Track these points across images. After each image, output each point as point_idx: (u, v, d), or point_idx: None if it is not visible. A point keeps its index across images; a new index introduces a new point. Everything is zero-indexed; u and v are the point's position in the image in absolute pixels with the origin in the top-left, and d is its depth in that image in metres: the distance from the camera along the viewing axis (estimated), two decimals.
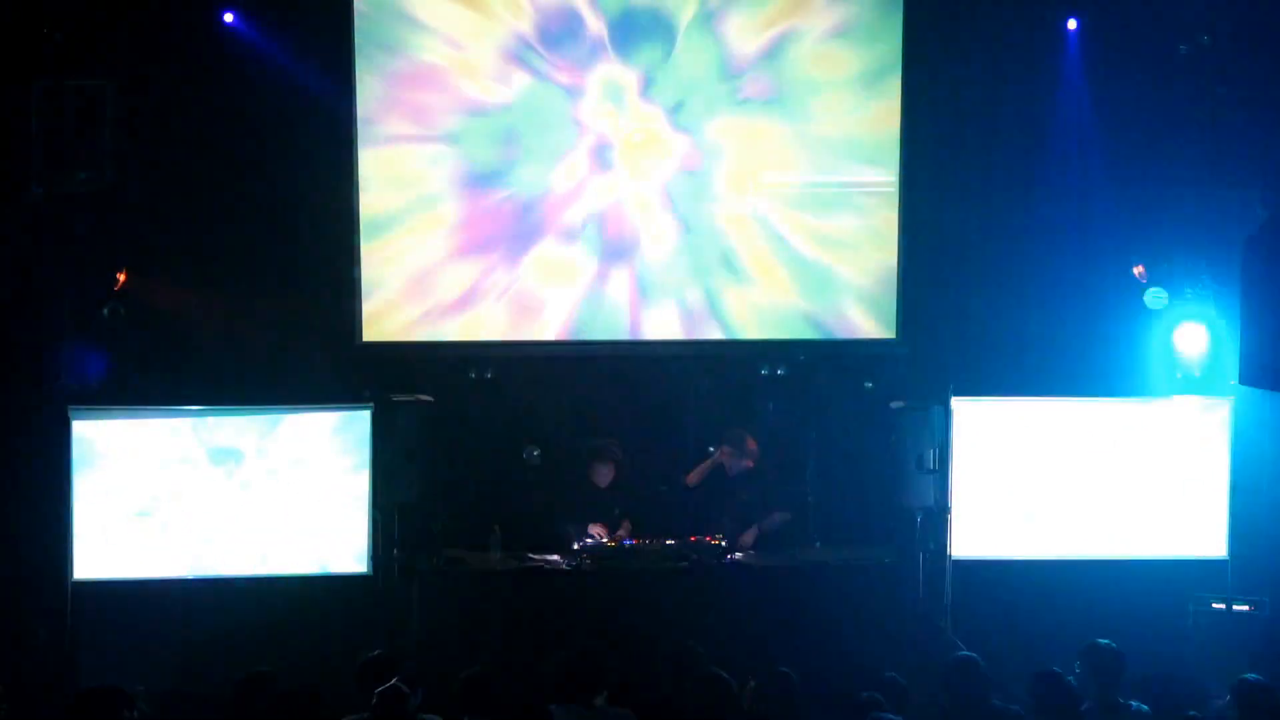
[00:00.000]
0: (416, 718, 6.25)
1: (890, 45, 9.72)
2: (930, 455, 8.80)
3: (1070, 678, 6.29)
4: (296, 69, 9.57)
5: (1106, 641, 6.53)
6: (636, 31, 9.73)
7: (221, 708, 6.65)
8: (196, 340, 9.59)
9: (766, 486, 9.39)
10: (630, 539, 8.90)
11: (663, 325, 9.94)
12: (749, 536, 9.10)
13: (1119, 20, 9.60)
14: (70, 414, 8.64)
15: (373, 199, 9.74)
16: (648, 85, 9.78)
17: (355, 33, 9.61)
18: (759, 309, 9.97)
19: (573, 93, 9.77)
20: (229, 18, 9.47)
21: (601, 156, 9.84)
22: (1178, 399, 9.20)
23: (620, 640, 7.71)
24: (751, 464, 9.40)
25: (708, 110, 9.81)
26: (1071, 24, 9.69)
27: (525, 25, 9.70)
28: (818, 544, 9.18)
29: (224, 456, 8.76)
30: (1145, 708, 6.36)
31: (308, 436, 8.82)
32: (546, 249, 9.87)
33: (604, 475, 9.30)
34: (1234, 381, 8.92)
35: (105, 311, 9.12)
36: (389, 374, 9.48)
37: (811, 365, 10.12)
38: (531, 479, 9.96)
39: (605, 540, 8.82)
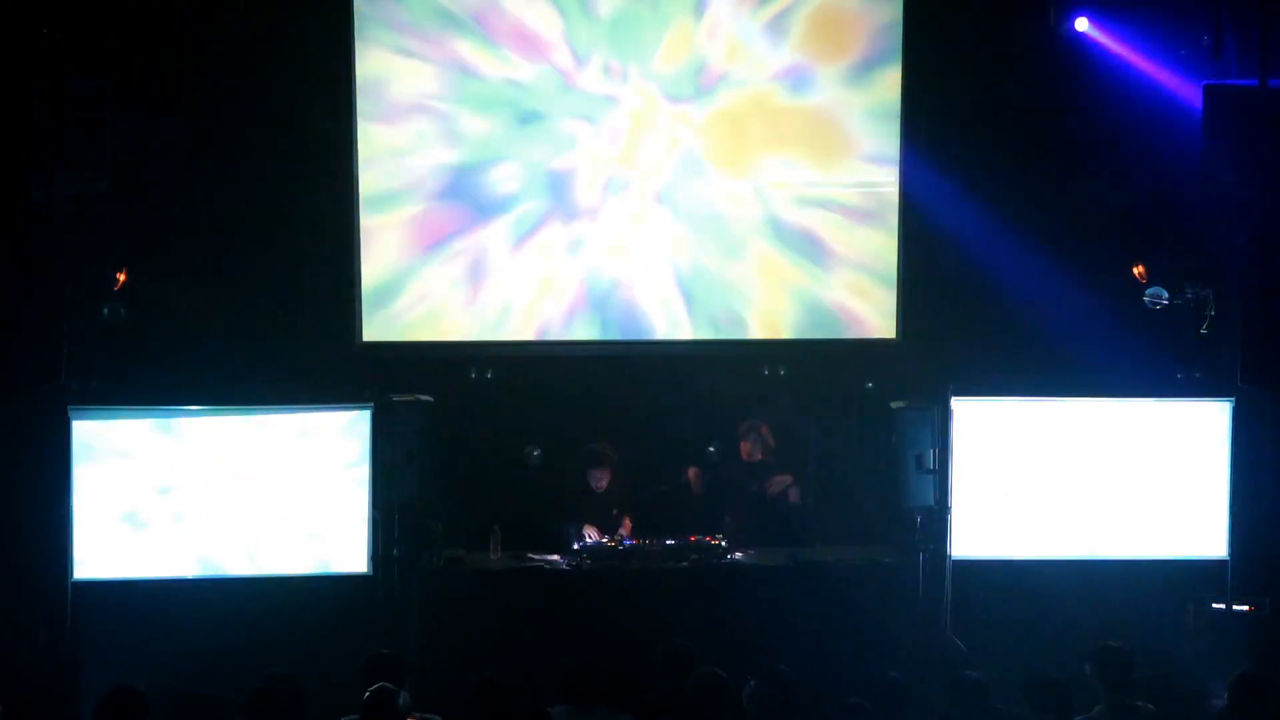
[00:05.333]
0: (410, 717, 6.25)
1: (890, 44, 9.73)
2: (930, 455, 8.79)
3: (1060, 678, 6.28)
4: (297, 68, 9.58)
5: (1116, 643, 6.52)
6: (636, 29, 9.74)
7: (222, 708, 6.64)
8: (196, 340, 9.58)
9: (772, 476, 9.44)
10: (630, 538, 8.90)
11: (662, 325, 9.95)
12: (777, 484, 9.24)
13: (1119, 19, 9.60)
14: (70, 414, 8.63)
15: (373, 199, 9.75)
16: (648, 87, 9.79)
17: (355, 30, 9.62)
18: (759, 309, 9.97)
19: (572, 95, 9.78)
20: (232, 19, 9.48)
21: (601, 159, 9.84)
22: (1177, 399, 9.19)
23: (620, 640, 7.71)
24: (761, 455, 9.45)
25: (707, 110, 9.82)
26: (1081, 23, 9.69)
27: (526, 17, 9.72)
28: (818, 544, 9.18)
29: (224, 457, 8.75)
30: (1152, 708, 6.36)
31: (308, 436, 8.82)
32: (546, 250, 9.87)
33: (599, 480, 9.31)
34: (1235, 382, 8.94)
35: (105, 311, 9.11)
36: (389, 374, 9.47)
37: (811, 365, 10.12)
38: (531, 479, 9.97)
39: (605, 540, 8.82)
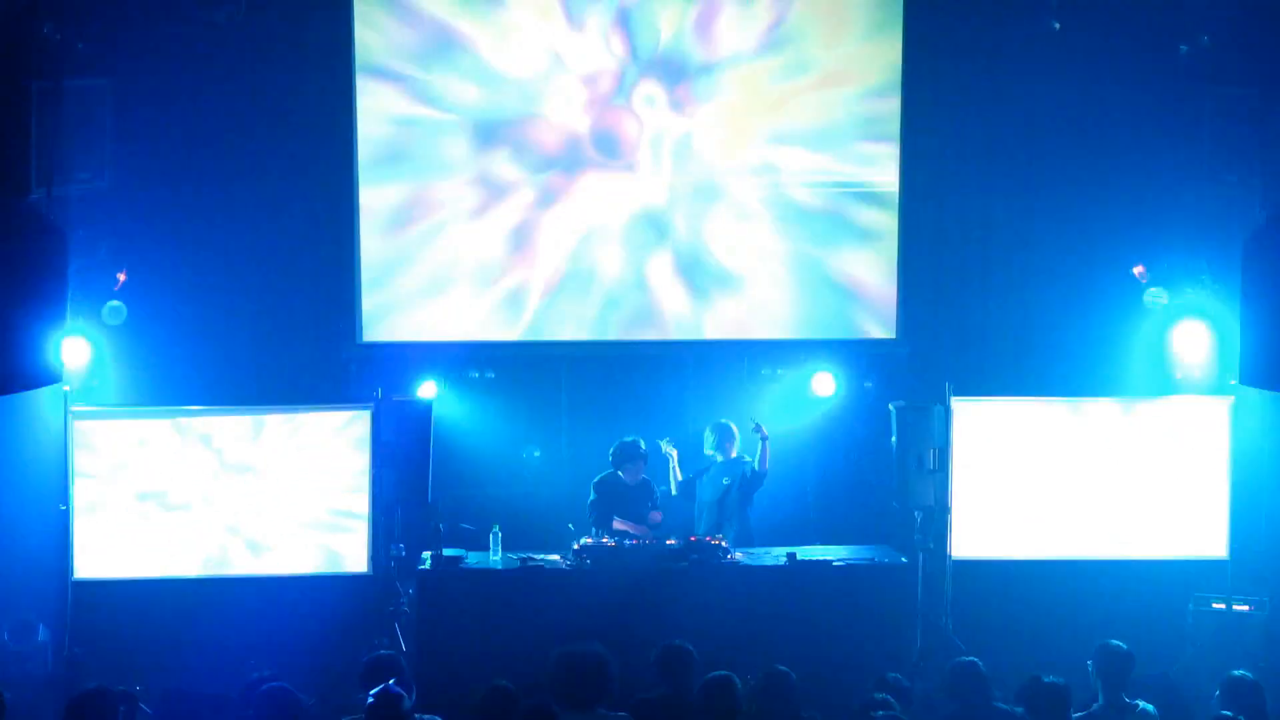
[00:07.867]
0: (414, 718, 6.24)
1: (891, 46, 9.73)
2: (930, 455, 8.80)
3: (1055, 679, 6.27)
4: (296, 68, 9.58)
5: (1117, 642, 6.51)
6: (639, 34, 9.75)
7: (222, 707, 6.65)
8: (197, 340, 9.58)
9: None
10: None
11: (663, 326, 9.95)
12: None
13: (1119, 19, 9.60)
14: (70, 414, 8.64)
15: (373, 199, 9.76)
16: (650, 90, 9.80)
17: (355, 31, 9.62)
18: (759, 309, 9.98)
19: (574, 96, 9.79)
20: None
21: (602, 157, 9.85)
22: (1177, 399, 9.20)
23: (620, 640, 7.71)
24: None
25: (708, 113, 9.81)
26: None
27: (528, 22, 9.72)
28: (818, 544, 9.18)
29: (224, 456, 8.76)
30: (1151, 708, 6.35)
31: (308, 436, 8.83)
32: (547, 249, 9.88)
33: (636, 472, 9.28)
34: (1234, 381, 8.93)
35: (105, 311, 9.12)
36: (389, 374, 9.48)
37: (811, 365, 10.13)
38: (531, 479, 9.97)
39: (605, 540, 8.80)
